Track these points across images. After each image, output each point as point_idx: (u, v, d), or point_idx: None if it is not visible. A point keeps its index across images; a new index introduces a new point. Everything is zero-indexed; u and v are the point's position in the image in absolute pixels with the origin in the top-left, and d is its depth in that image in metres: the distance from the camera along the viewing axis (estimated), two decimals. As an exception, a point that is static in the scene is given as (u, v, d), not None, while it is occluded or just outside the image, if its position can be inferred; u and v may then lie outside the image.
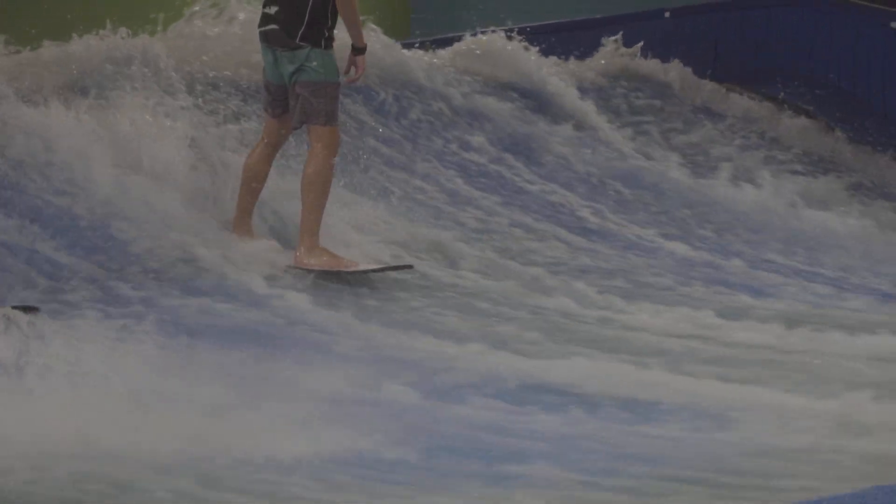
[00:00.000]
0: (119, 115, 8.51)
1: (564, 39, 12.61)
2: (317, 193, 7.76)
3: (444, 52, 11.54)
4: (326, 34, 7.79)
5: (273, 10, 7.84)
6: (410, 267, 8.07)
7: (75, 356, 6.08)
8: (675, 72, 12.65)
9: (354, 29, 7.84)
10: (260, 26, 7.95)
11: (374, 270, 7.86)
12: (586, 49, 12.61)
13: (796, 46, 12.77)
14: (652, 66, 12.65)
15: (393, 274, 8.03)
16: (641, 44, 12.66)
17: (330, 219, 8.06)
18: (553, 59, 12.13)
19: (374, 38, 10.43)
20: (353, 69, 7.97)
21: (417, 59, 11.10)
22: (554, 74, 11.76)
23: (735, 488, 5.11)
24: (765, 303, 8.50)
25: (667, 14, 12.84)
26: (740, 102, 12.62)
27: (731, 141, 11.86)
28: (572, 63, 12.32)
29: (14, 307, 7.12)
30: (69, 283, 7.23)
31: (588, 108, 11.49)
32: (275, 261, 7.80)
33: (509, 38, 12.00)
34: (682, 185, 10.76)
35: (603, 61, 12.55)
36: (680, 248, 9.62)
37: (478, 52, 11.68)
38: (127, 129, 8.42)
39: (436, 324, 7.45)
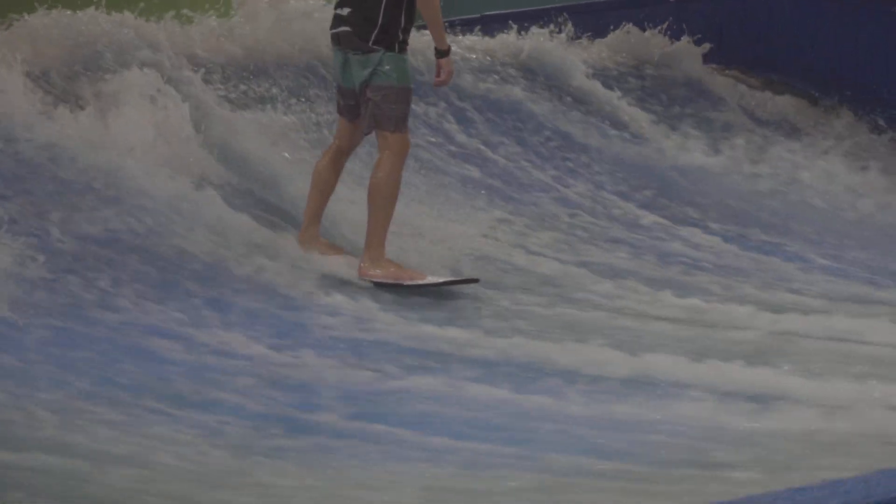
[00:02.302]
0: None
1: (570, 23, 12.61)
2: (383, 202, 7.48)
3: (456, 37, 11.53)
4: (400, 37, 7.52)
5: (345, 11, 7.57)
6: (476, 281, 7.76)
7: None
8: (679, 56, 12.65)
9: (437, 30, 7.57)
10: (331, 28, 7.68)
11: (439, 284, 7.56)
12: (593, 32, 12.62)
13: (799, 32, 12.77)
14: (656, 50, 12.65)
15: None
16: (647, 28, 12.68)
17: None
18: (560, 42, 12.13)
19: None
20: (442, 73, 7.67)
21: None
22: (561, 57, 11.75)
23: (739, 470, 5.12)
24: (772, 292, 8.53)
25: (672, -1, 12.86)
26: (744, 88, 12.63)
27: (742, 127, 11.86)
28: (578, 46, 12.32)
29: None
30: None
31: (598, 92, 11.48)
32: (340, 272, 7.56)
33: (516, 21, 12.01)
34: (697, 172, 10.77)
35: (609, 45, 12.56)
36: (696, 234, 9.65)
37: (486, 37, 11.69)
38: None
39: (443, 307, 7.43)
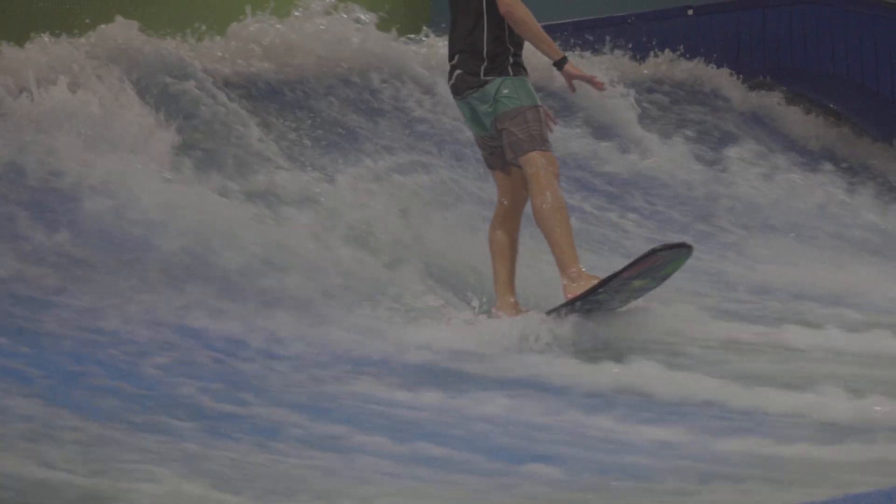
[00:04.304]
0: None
1: (585, 37, 12.65)
2: (557, 221, 7.10)
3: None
4: (511, 61, 7.30)
5: (456, 58, 7.39)
6: (688, 247, 7.16)
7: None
8: (698, 69, 12.69)
9: (543, 44, 7.28)
10: (448, 80, 7.49)
11: (639, 261, 7.04)
12: (610, 46, 12.67)
13: (818, 44, 12.79)
14: (675, 63, 12.68)
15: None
16: (665, 40, 12.74)
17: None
18: (575, 56, 12.17)
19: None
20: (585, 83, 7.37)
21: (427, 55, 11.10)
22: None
23: (767, 485, 5.16)
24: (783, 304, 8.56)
25: (690, 12, 12.87)
26: (761, 100, 12.65)
27: (757, 141, 11.87)
28: (595, 59, 12.36)
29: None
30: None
31: (615, 109, 11.51)
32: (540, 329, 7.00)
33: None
34: (713, 187, 10.79)
35: (627, 58, 12.59)
36: (710, 248, 9.67)
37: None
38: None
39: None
